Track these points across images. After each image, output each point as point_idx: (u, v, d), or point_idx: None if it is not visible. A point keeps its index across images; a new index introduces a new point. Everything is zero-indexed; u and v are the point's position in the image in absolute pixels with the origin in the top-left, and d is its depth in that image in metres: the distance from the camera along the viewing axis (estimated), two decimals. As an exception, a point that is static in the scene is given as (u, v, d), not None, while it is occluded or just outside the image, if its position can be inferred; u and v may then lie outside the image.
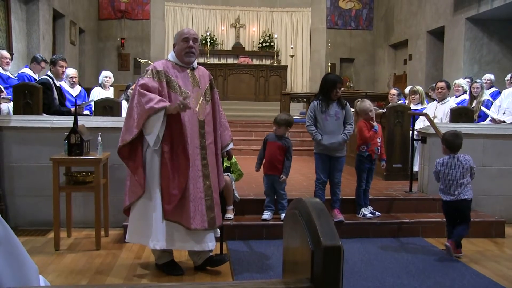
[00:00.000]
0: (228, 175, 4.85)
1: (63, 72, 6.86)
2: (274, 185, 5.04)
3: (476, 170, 4.79)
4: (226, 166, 4.91)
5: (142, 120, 3.67)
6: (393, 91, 8.70)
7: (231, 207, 5.02)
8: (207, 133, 3.91)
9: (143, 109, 3.66)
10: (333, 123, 5.02)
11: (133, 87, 5.87)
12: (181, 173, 3.74)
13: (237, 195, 5.07)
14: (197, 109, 3.86)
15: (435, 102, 7.76)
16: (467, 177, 4.68)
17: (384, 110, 7.06)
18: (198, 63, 4.15)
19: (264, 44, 17.41)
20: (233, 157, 5.00)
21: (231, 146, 4.25)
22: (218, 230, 4.18)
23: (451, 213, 4.75)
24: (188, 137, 3.76)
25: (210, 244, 3.90)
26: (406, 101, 8.30)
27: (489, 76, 8.97)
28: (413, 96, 7.84)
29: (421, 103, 7.76)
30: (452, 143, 4.73)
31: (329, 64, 16.63)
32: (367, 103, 5.34)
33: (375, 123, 5.32)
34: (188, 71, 3.95)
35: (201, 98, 3.92)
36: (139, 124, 3.68)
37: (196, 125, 3.84)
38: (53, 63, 6.79)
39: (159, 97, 3.68)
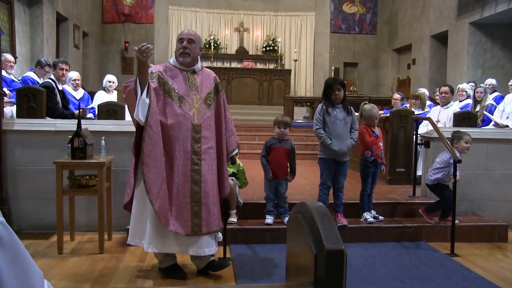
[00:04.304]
0: (232, 179, 4.82)
1: (63, 74, 6.87)
2: (278, 189, 5.04)
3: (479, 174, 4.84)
4: (232, 172, 4.89)
5: (132, 106, 3.69)
6: (396, 96, 8.67)
7: (234, 211, 5.01)
8: (203, 137, 3.81)
9: (126, 99, 3.73)
10: (342, 127, 4.98)
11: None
12: (164, 177, 3.70)
13: (240, 200, 5.06)
14: (190, 113, 3.79)
15: (438, 106, 7.73)
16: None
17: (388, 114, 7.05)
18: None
19: (267, 48, 17.38)
20: (241, 165, 4.99)
21: (236, 151, 4.18)
22: (220, 235, 4.16)
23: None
24: (175, 141, 3.73)
25: (207, 249, 3.82)
26: (407, 105, 8.25)
27: (490, 81, 8.96)
28: (414, 101, 7.73)
29: (422, 108, 7.61)
30: None
31: (332, 68, 16.64)
32: (376, 111, 5.34)
33: (375, 129, 5.32)
34: (188, 74, 3.89)
35: (199, 102, 3.85)
36: (132, 109, 3.69)
37: (188, 129, 3.76)
38: (54, 66, 6.82)
39: (131, 82, 3.71)
